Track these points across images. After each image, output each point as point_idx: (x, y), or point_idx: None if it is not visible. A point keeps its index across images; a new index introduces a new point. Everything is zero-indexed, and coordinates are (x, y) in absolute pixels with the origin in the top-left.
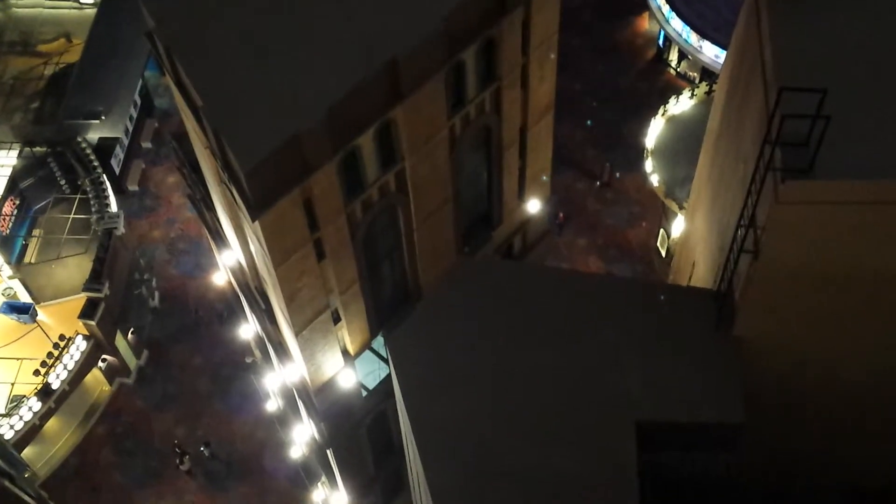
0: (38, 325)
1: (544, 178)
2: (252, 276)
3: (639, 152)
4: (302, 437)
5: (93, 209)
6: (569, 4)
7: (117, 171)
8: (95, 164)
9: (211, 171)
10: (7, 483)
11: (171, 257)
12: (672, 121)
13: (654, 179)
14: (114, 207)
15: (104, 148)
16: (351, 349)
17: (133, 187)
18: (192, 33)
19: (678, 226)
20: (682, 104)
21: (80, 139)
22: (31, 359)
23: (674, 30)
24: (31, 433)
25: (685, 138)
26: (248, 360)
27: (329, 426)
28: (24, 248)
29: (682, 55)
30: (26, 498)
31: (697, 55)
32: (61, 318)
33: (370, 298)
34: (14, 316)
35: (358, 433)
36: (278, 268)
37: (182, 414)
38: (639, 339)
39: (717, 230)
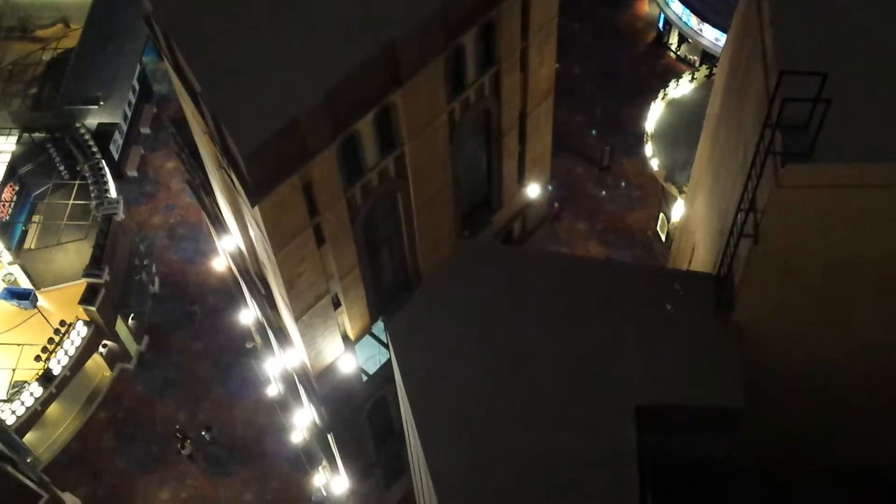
0: (39, 311)
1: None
2: (252, 262)
3: (639, 136)
4: (303, 421)
5: (92, 195)
6: None
7: (116, 156)
8: (94, 149)
9: (210, 157)
10: (9, 468)
11: (170, 243)
12: (672, 105)
13: (654, 164)
14: (113, 193)
15: (103, 133)
16: (351, 334)
17: (132, 173)
18: (190, 17)
19: (678, 210)
20: (682, 88)
21: (78, 125)
22: (31, 344)
23: (674, 13)
24: (32, 418)
25: (685, 122)
26: (249, 346)
27: (330, 411)
28: (24, 234)
29: (683, 38)
30: (28, 483)
31: (698, 38)
32: (62, 303)
33: (370, 283)
34: (14, 302)
35: (358, 418)
36: (278, 253)
37: (183, 399)
38: (639, 323)
39: (717, 214)
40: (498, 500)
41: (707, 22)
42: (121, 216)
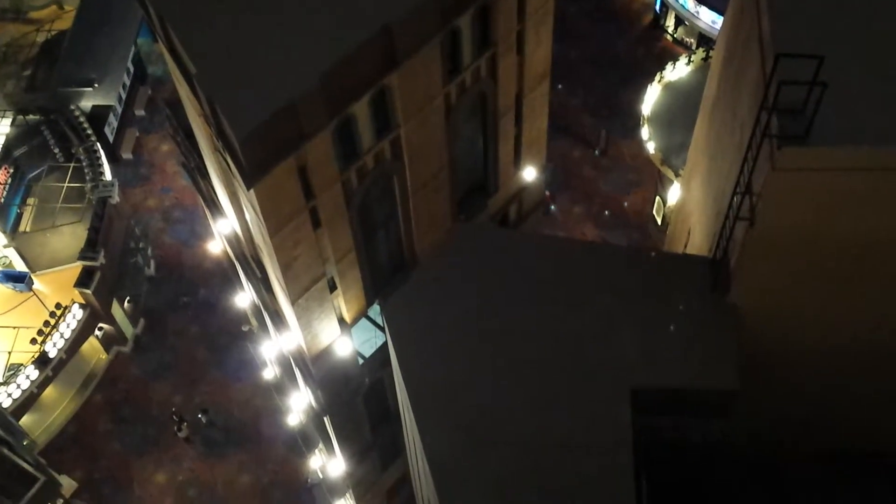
0: (35, 294)
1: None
2: (248, 245)
3: (635, 119)
4: (299, 404)
5: (87, 178)
6: None
7: (111, 139)
8: (89, 132)
9: (205, 139)
10: (5, 451)
11: (166, 226)
12: (669, 87)
13: (651, 147)
14: (108, 176)
15: (98, 116)
16: (347, 317)
17: (127, 155)
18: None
19: (674, 193)
20: (678, 70)
21: (73, 107)
22: (27, 327)
23: None
24: (28, 401)
25: (682, 105)
26: (245, 329)
27: (326, 394)
28: (19, 216)
29: (679, 21)
30: (25, 465)
31: (694, 21)
32: (57, 286)
33: (366, 267)
34: (10, 284)
35: (355, 401)
36: (274, 236)
37: (179, 382)
38: (634, 306)
39: (713, 197)
40: (493, 482)
41: (704, 4)
42: (116, 199)
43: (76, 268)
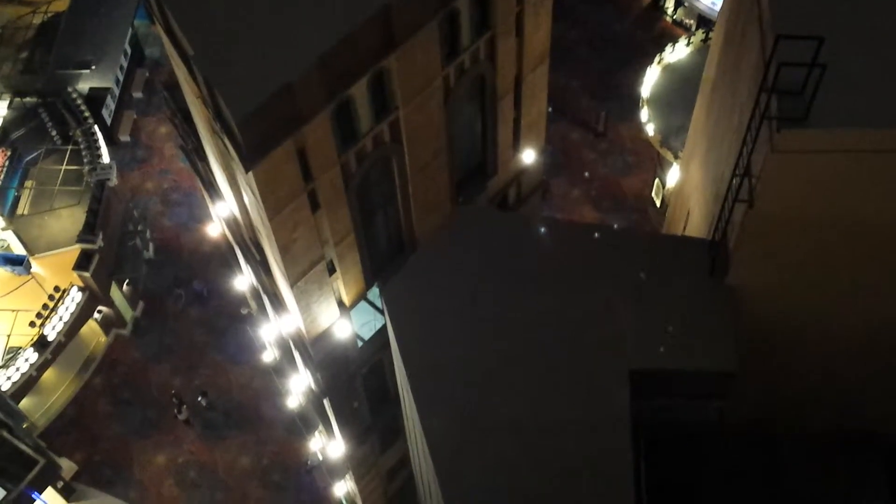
0: (33, 277)
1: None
2: (246, 228)
3: (634, 101)
4: (298, 386)
5: (85, 160)
6: None
7: (109, 121)
8: (87, 114)
9: (203, 121)
10: (5, 433)
11: (164, 209)
12: (668, 69)
13: (650, 129)
14: (106, 158)
15: (95, 98)
16: (346, 300)
17: (125, 138)
18: None
19: (673, 175)
20: (678, 52)
21: (70, 89)
22: (26, 310)
23: None
24: (28, 384)
25: (681, 87)
26: (244, 312)
27: (325, 376)
28: (17, 199)
29: (679, 2)
30: (25, 448)
31: (694, 2)
32: (56, 269)
33: (365, 249)
34: (8, 268)
35: (354, 383)
36: (272, 219)
37: (179, 364)
38: (633, 288)
39: (712, 179)
40: (492, 463)
41: None
42: (114, 182)
43: (74, 251)
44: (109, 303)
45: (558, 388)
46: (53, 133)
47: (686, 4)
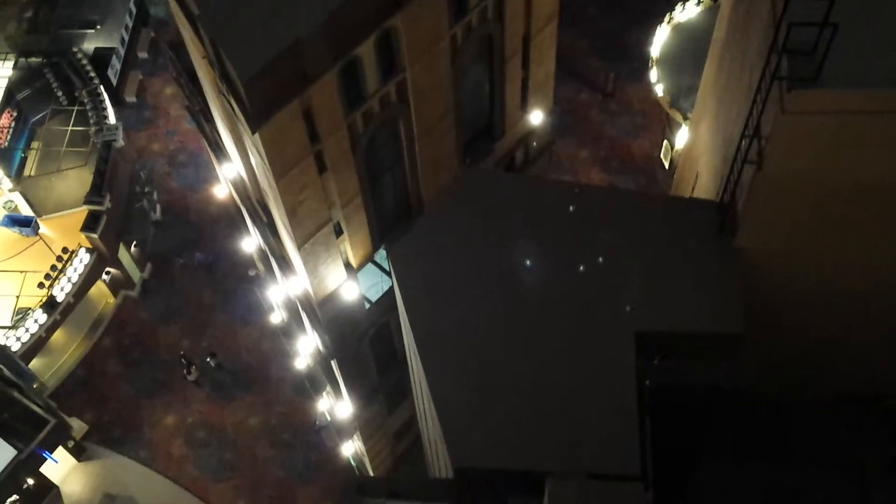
0: (41, 238)
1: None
2: (253, 189)
3: (643, 62)
4: (306, 348)
5: (91, 121)
6: None
7: (114, 82)
8: (92, 74)
9: (209, 82)
10: (16, 394)
11: (170, 170)
12: (678, 29)
13: (659, 89)
14: (112, 119)
15: (100, 58)
16: (354, 262)
17: (131, 98)
18: None
19: (682, 137)
20: (688, 11)
21: (75, 49)
22: (34, 272)
23: None
24: (37, 345)
25: (691, 47)
26: (252, 273)
27: (333, 338)
28: (24, 160)
29: None
30: (35, 408)
31: None
32: (63, 231)
33: (372, 211)
34: (16, 229)
35: (361, 345)
36: (279, 180)
37: (187, 326)
38: (641, 250)
39: (722, 141)
40: (499, 423)
41: None
42: (120, 143)
43: (82, 212)
44: (117, 264)
45: (565, 350)
46: (59, 94)
47: None
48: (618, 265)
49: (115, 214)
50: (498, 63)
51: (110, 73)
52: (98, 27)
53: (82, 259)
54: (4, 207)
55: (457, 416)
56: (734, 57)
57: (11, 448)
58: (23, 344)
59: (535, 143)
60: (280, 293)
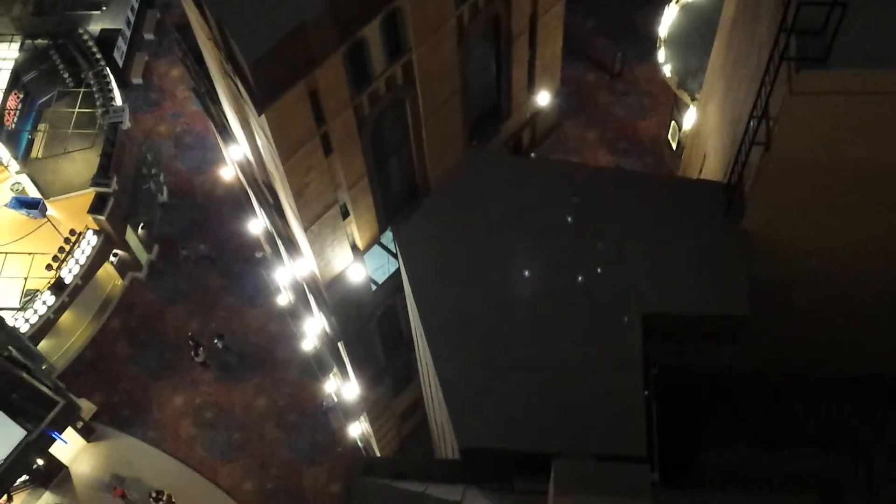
0: (48, 220)
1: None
2: (260, 171)
3: (651, 42)
4: (313, 330)
5: (97, 103)
6: None
7: (120, 63)
8: (98, 56)
9: (215, 64)
10: (25, 375)
11: (177, 152)
12: (686, 8)
13: (667, 70)
14: (118, 101)
15: (106, 40)
16: (360, 244)
17: (137, 80)
18: None
19: (690, 118)
20: None
21: (81, 31)
22: (42, 253)
23: None
24: (45, 326)
25: (699, 27)
26: (259, 255)
27: (339, 319)
28: (31, 142)
29: None
30: (44, 389)
31: None
32: (71, 212)
33: (378, 193)
34: (24, 211)
35: (368, 326)
36: (286, 162)
37: (195, 307)
38: (647, 231)
39: (730, 122)
40: (505, 406)
41: None
42: (127, 124)
43: (89, 194)
44: (125, 246)
45: (571, 332)
46: (65, 75)
47: None
48: (624, 247)
49: (122, 196)
50: (504, 44)
51: (116, 54)
52: (104, 8)
53: (90, 241)
54: (12, 189)
55: (463, 397)
56: (743, 37)
57: (21, 429)
58: (31, 325)
59: (542, 126)
60: (287, 275)
